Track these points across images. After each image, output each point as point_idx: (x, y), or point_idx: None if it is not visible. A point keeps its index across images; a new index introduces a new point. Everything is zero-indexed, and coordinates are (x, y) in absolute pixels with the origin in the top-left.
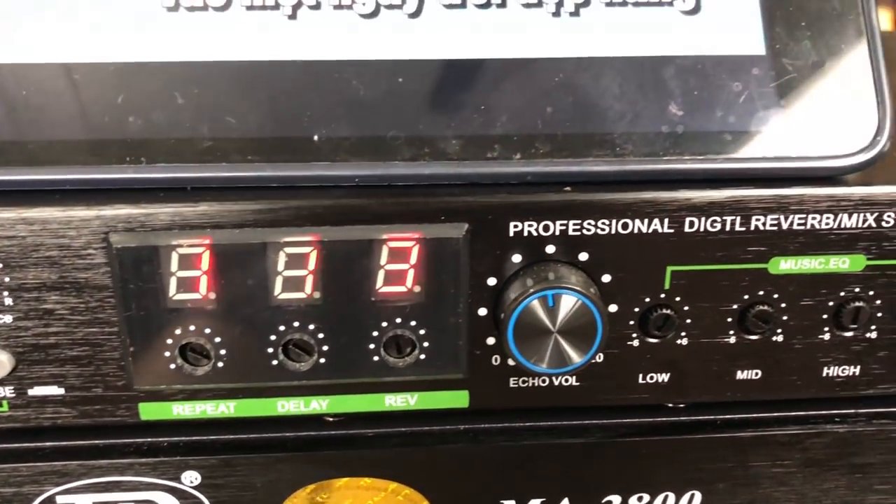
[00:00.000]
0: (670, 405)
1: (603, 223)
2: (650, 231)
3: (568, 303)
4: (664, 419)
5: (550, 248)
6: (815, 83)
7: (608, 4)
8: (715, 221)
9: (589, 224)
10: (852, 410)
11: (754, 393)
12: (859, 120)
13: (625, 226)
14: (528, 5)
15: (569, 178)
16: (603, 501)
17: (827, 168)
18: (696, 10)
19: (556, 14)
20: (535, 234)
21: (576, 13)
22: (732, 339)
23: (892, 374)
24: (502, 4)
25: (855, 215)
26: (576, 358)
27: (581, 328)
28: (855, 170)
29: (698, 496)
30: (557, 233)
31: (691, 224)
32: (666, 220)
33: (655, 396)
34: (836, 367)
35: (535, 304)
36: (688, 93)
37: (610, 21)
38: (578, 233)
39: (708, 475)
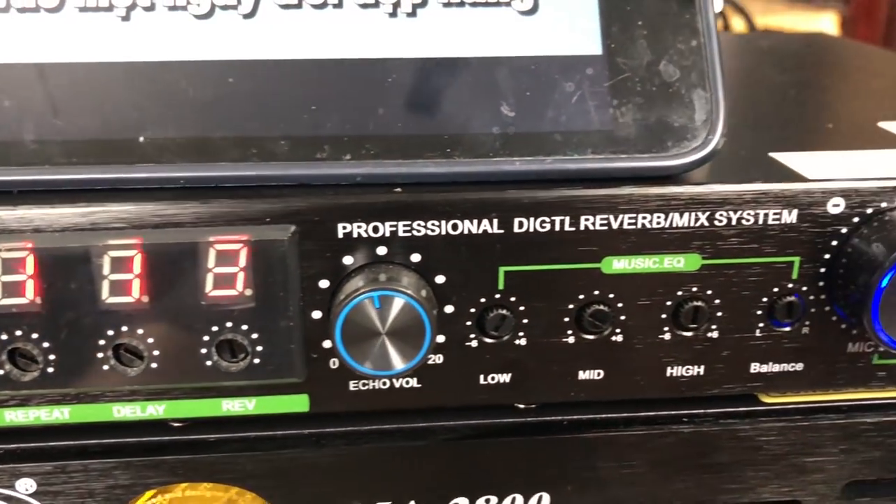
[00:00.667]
0: (522, 406)
1: (433, 224)
2: (480, 232)
3: (395, 305)
4: (509, 420)
5: (382, 250)
6: (648, 83)
7: (445, 5)
8: (544, 222)
9: (419, 225)
10: (700, 410)
11: (598, 393)
12: (692, 119)
13: (454, 227)
14: (364, 6)
15: (399, 179)
16: None
17: (658, 167)
18: (533, 11)
19: (393, 15)
20: (364, 235)
21: (413, 14)
22: (571, 339)
23: (737, 373)
24: (339, 5)
25: (686, 214)
26: (403, 360)
27: (409, 330)
28: (686, 169)
29: (547, 498)
30: (387, 234)
31: (520, 224)
32: (495, 221)
33: (498, 397)
34: (680, 367)
35: (364, 306)
36: (520, 94)
37: (447, 22)
38: (409, 234)
39: (556, 477)
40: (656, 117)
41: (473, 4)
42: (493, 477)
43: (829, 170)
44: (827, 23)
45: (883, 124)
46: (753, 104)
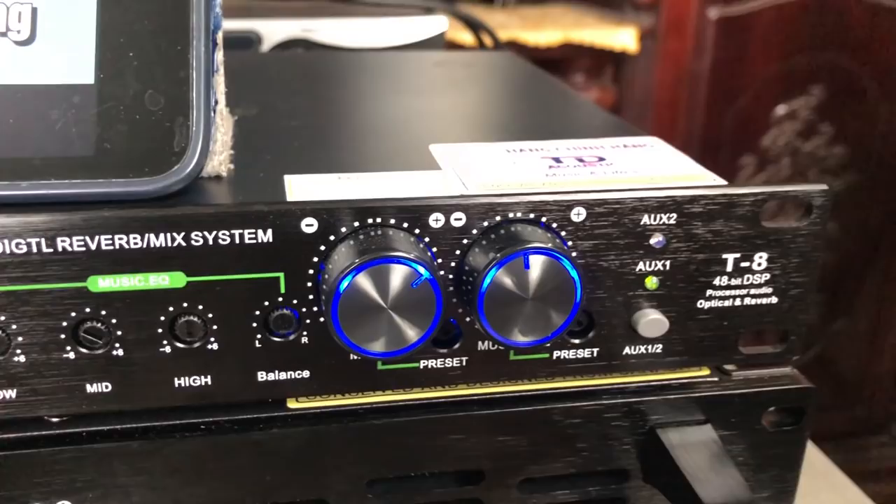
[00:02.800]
0: (55, 420)
1: None
2: None
3: None
4: (29, 434)
5: None
6: (133, 111)
7: None
8: (19, 244)
9: None
10: (218, 418)
11: (110, 405)
12: (170, 146)
13: None
14: None
15: None
16: None
17: (134, 192)
18: (30, 41)
19: None
20: None
21: None
22: (72, 355)
23: (246, 382)
24: None
25: (163, 235)
26: None
27: None
28: (161, 193)
29: None
30: None
31: None
32: None
33: (10, 413)
34: (187, 378)
35: None
36: (4, 121)
37: None
38: None
39: (78, 486)
40: (138, 144)
41: None
42: (15, 487)
43: (317, 191)
44: (626, 37)
45: (432, 147)
46: (326, 129)
